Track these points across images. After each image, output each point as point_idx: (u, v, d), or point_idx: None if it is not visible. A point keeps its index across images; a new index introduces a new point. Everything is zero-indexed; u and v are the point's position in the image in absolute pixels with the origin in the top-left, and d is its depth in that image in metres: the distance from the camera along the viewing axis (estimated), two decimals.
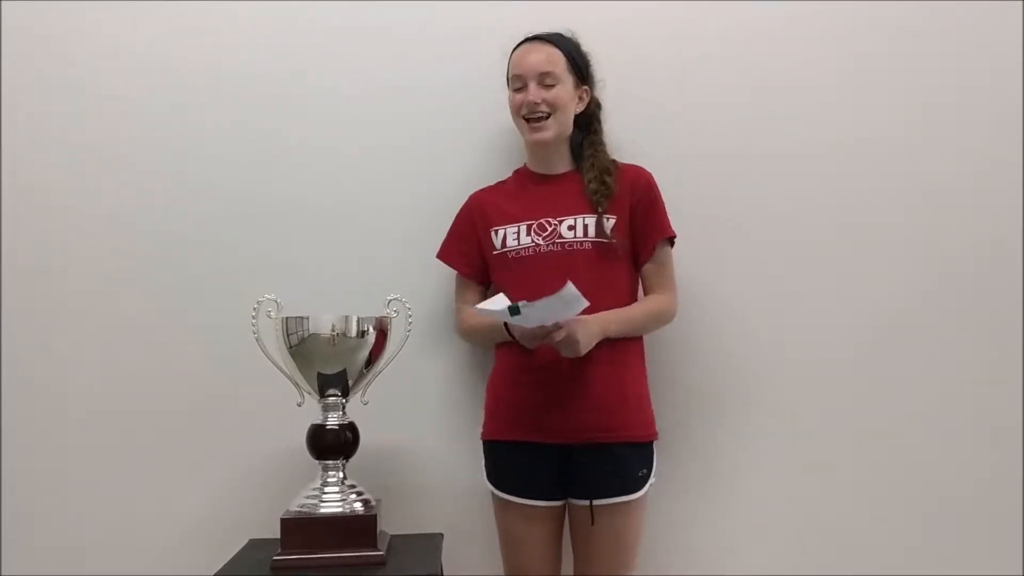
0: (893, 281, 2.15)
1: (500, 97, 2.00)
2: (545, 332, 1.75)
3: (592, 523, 1.84)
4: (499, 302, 1.74)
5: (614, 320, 1.85)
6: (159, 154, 2.13)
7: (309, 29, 2.14)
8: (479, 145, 2.13)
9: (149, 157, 2.13)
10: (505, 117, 2.00)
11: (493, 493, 1.94)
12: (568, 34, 1.96)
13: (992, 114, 2.17)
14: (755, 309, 2.14)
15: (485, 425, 1.97)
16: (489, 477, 1.94)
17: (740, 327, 2.14)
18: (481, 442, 1.97)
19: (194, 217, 2.12)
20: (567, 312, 1.71)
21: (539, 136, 1.92)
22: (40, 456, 2.09)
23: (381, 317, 1.86)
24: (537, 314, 1.69)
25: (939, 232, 2.16)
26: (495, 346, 1.97)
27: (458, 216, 2.02)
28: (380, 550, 1.75)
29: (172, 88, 2.13)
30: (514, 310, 1.66)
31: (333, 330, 1.81)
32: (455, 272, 2.02)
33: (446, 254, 2.02)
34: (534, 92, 1.89)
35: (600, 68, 2.00)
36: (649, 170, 1.97)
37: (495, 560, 2.03)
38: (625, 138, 2.05)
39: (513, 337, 1.84)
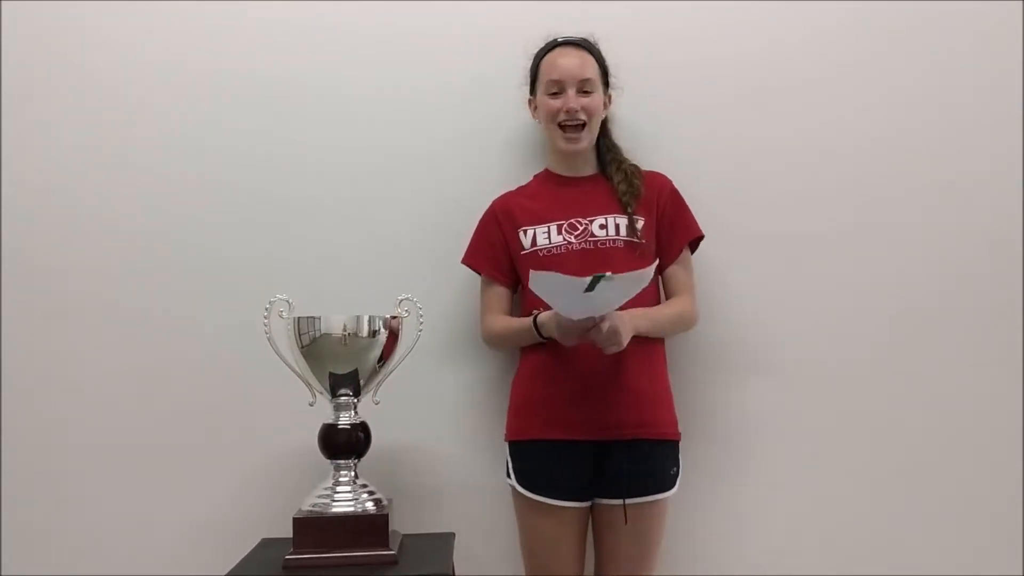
0: (907, 280, 2.15)
1: (512, 97, 2.01)
2: (590, 326, 1.72)
3: (625, 522, 1.85)
4: (565, 279, 1.63)
5: (642, 318, 1.85)
6: (175, 154, 2.13)
7: (327, 29, 2.14)
8: (490, 145, 2.13)
9: (164, 157, 2.12)
10: (517, 117, 2.01)
11: (520, 494, 1.90)
12: (592, 39, 1.96)
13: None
14: (768, 309, 2.14)
15: (512, 426, 1.94)
16: (516, 477, 1.91)
17: (752, 328, 2.13)
18: (506, 443, 1.94)
19: (205, 217, 2.12)
20: (628, 294, 1.69)
21: (575, 147, 1.92)
22: (51, 457, 2.09)
23: (392, 317, 1.86)
24: (612, 291, 1.64)
25: (958, 231, 2.16)
26: (520, 348, 1.96)
27: (482, 220, 2.00)
28: (392, 549, 1.76)
29: (190, 88, 2.13)
30: (597, 279, 1.58)
31: (345, 330, 1.81)
32: (479, 279, 2.00)
33: (472, 258, 2.00)
34: (574, 99, 1.88)
35: (617, 72, 1.99)
36: (661, 171, 1.99)
37: (507, 560, 2.03)
38: (636, 140, 2.05)
39: (543, 337, 1.83)
